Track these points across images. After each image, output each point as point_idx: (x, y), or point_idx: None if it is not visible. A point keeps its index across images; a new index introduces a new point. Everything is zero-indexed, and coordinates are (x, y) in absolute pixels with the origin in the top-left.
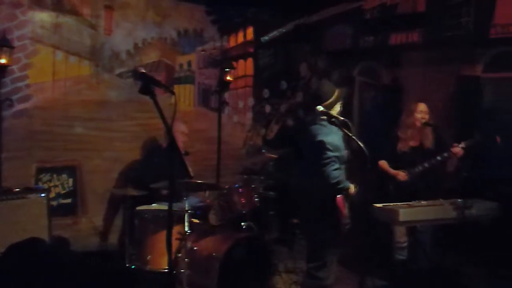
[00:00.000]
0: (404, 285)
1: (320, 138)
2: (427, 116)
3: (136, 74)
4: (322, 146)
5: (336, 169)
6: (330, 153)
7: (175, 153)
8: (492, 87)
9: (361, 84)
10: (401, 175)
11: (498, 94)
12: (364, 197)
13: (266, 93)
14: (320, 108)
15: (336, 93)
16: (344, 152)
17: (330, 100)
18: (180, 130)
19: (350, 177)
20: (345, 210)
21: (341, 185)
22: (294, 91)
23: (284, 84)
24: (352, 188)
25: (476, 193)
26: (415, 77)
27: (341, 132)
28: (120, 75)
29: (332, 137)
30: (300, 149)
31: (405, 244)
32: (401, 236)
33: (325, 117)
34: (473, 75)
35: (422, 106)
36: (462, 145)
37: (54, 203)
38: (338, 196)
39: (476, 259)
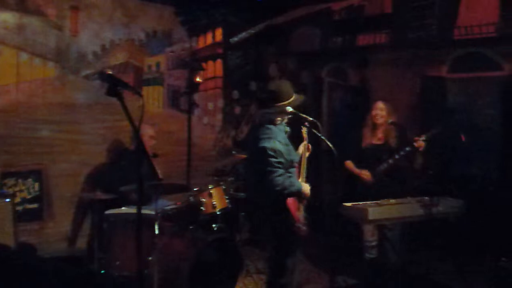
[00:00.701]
0: (374, 283)
1: (262, 144)
2: (384, 113)
3: (103, 76)
4: (264, 153)
5: (279, 176)
6: (272, 160)
7: (143, 156)
8: (456, 87)
9: (330, 84)
10: (366, 174)
11: (462, 94)
12: (334, 196)
13: (236, 94)
14: (289, 108)
15: (293, 97)
16: (294, 154)
17: (287, 101)
18: (148, 134)
19: (317, 177)
20: (298, 214)
21: (288, 190)
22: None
23: (253, 85)
24: (306, 188)
25: (443, 191)
26: (382, 77)
27: (286, 133)
28: (86, 77)
29: (275, 142)
30: (249, 155)
31: (374, 243)
32: (370, 234)
33: (277, 112)
34: (438, 76)
35: (379, 104)
36: (422, 137)
37: (20, 208)
38: (288, 200)
39: (444, 255)
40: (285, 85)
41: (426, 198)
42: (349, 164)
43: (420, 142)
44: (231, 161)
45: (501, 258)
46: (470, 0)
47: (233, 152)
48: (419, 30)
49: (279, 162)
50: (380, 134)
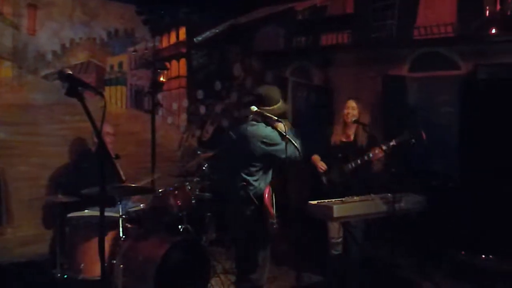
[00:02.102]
0: (339, 279)
1: (254, 135)
2: (355, 112)
3: (62, 76)
4: (251, 155)
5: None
6: (258, 163)
7: (105, 157)
8: (416, 86)
9: (294, 84)
10: (321, 166)
11: (422, 92)
12: (300, 194)
13: (200, 94)
14: (254, 108)
15: (279, 104)
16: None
17: (273, 107)
18: (105, 130)
19: (283, 176)
20: (272, 210)
21: (300, 153)
22: (228, 91)
23: (218, 85)
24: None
25: (405, 187)
26: (345, 76)
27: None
28: (46, 77)
29: (266, 129)
30: (229, 152)
31: (340, 240)
32: (335, 232)
33: (257, 117)
34: (399, 75)
35: (351, 103)
36: (393, 142)
37: None
38: (265, 196)
39: (407, 250)
40: (273, 91)
41: (389, 195)
42: (316, 158)
43: (389, 146)
44: (196, 161)
45: (460, 251)
46: (428, 1)
47: (199, 152)
48: (380, 30)
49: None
50: (349, 132)
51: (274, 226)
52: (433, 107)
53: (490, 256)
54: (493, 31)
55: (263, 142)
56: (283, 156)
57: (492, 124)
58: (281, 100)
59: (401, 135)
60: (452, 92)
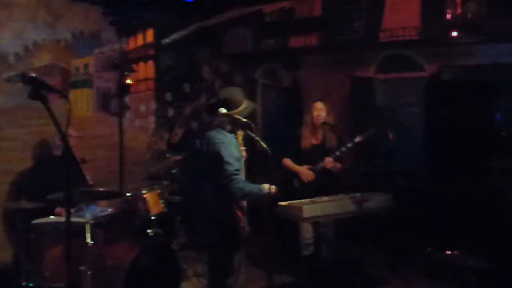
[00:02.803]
0: (311, 280)
1: (219, 151)
2: (324, 114)
3: (25, 79)
4: (222, 161)
5: (238, 183)
6: (230, 168)
7: (71, 161)
8: (383, 87)
9: (263, 86)
10: (306, 172)
11: (389, 93)
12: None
13: (168, 96)
14: (223, 110)
15: (245, 104)
16: (241, 159)
17: (240, 109)
18: (68, 133)
19: (253, 178)
20: (243, 213)
21: (252, 196)
22: (197, 93)
23: (187, 87)
24: (267, 187)
25: (373, 187)
26: (313, 78)
27: (235, 138)
28: (8, 80)
29: (231, 147)
30: (198, 159)
31: (311, 240)
32: (307, 232)
33: (226, 120)
34: (365, 76)
35: (319, 105)
36: (358, 138)
37: None
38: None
39: (375, 248)
40: (237, 93)
41: (358, 194)
42: (287, 162)
43: (358, 140)
44: (165, 164)
45: (427, 248)
46: (393, 5)
47: (168, 155)
48: (347, 32)
49: (236, 170)
50: (318, 134)
51: (246, 229)
52: (399, 107)
53: (455, 252)
54: (455, 33)
55: (223, 149)
56: (226, 174)
57: (456, 124)
58: (245, 100)
59: (366, 131)
60: (417, 93)
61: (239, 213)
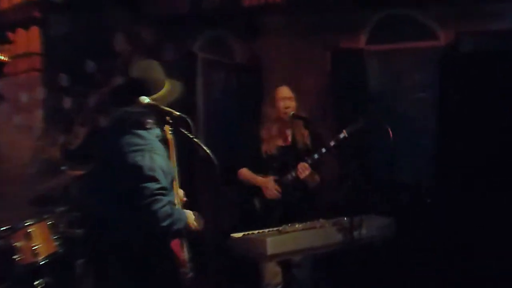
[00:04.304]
0: None
1: (134, 161)
2: (293, 104)
3: None
4: (137, 175)
5: (163, 207)
6: (154, 185)
7: None
8: (378, 63)
9: (206, 62)
10: (270, 186)
11: (387, 72)
12: (218, 225)
13: (64, 79)
14: (145, 99)
15: (167, 86)
16: (171, 167)
17: (161, 94)
18: None
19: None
20: (184, 255)
21: (176, 227)
22: (107, 75)
23: (91, 66)
24: (191, 219)
25: (366, 207)
26: (278, 52)
27: (161, 138)
28: None
29: (155, 155)
30: (109, 173)
31: (279, 286)
32: (273, 276)
33: (146, 113)
34: (353, 48)
35: (284, 91)
36: (343, 134)
37: None
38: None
39: None
40: (154, 69)
41: (345, 219)
42: (246, 173)
43: (341, 137)
44: (60, 181)
45: None
46: None
47: (63, 167)
48: None
49: (162, 188)
50: (287, 132)
51: (188, 276)
52: (401, 92)
53: None
54: None
55: (141, 159)
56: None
57: (479, 116)
58: (166, 81)
59: (354, 123)
60: (426, 72)
61: (178, 254)
